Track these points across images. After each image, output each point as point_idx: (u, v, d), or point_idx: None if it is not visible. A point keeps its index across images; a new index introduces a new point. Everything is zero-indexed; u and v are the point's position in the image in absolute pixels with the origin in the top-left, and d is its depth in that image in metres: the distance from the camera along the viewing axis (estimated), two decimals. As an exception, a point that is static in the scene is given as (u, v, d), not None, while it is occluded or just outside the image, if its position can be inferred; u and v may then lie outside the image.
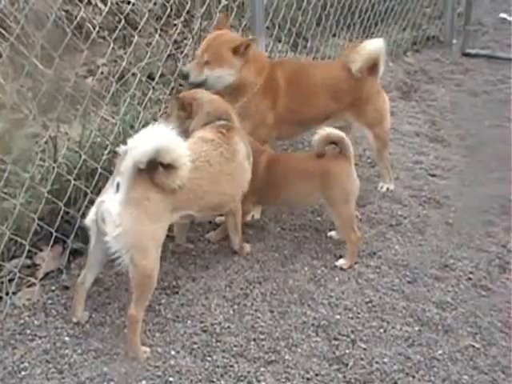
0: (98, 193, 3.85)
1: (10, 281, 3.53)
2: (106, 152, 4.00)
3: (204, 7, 5.04)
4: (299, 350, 3.23)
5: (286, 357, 3.18)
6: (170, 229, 3.60)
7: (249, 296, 3.59)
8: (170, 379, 3.05)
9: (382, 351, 3.23)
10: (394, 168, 4.86)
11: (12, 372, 3.09)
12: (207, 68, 4.08)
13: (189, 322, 3.41)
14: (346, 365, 3.15)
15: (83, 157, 3.85)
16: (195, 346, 3.24)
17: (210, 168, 3.51)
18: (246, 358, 3.18)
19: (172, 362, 3.14)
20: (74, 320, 3.37)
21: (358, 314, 3.48)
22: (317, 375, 3.09)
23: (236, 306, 3.51)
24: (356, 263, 3.88)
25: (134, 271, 3.13)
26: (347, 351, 3.23)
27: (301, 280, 3.73)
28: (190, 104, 3.70)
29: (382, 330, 3.38)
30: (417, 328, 3.40)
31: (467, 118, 6.13)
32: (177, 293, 3.62)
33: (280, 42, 5.99)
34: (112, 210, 3.08)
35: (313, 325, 3.39)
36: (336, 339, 3.30)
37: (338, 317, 3.45)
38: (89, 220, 3.22)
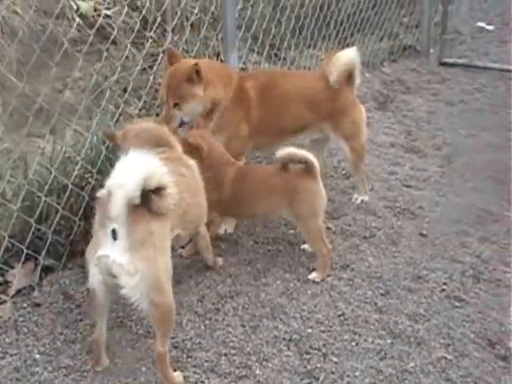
0: (70, 209, 3.87)
1: (-19, 298, 3.51)
2: (77, 168, 3.98)
3: (175, 20, 5.03)
4: (270, 364, 3.22)
5: (257, 372, 3.17)
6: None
7: (220, 311, 3.57)
8: (141, 396, 3.05)
9: (353, 365, 3.22)
10: (368, 179, 4.86)
11: (-18, 391, 3.06)
12: (177, 111, 4.09)
13: (160, 337, 3.39)
14: (317, 379, 3.13)
15: (54, 173, 3.83)
16: (166, 362, 3.23)
17: (185, 181, 3.46)
18: (217, 373, 3.16)
19: (142, 379, 3.11)
20: (99, 369, 3.17)
21: (330, 327, 3.47)
22: (288, 390, 3.09)
23: (207, 321, 3.50)
24: (329, 276, 3.87)
25: (156, 311, 2.99)
26: (318, 365, 3.21)
27: (273, 294, 3.71)
28: (119, 137, 3.57)
29: (353, 344, 3.37)
30: (389, 341, 3.39)
31: (443, 127, 6.16)
32: (148, 308, 3.60)
33: (254, 51, 5.99)
34: (121, 261, 2.87)
35: (284, 339, 3.38)
36: (307, 353, 3.29)
37: (310, 330, 3.44)
38: (96, 282, 2.99)
